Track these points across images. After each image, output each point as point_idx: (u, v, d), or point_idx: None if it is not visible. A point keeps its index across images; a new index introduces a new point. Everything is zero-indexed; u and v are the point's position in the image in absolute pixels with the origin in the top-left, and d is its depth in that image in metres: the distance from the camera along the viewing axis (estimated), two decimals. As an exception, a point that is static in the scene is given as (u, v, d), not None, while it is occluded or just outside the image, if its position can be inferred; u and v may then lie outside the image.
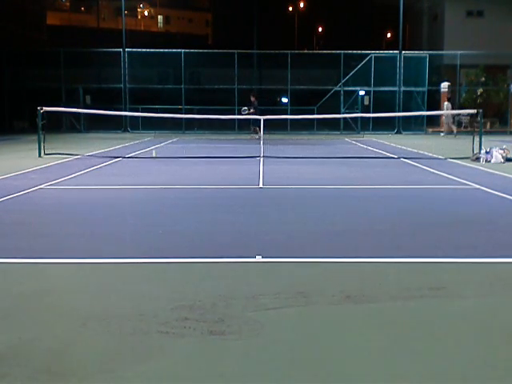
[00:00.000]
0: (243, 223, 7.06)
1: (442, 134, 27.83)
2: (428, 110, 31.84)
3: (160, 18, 78.07)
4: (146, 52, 33.18)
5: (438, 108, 32.65)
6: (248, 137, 25.81)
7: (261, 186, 10.34)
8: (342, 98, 32.08)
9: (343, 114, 29.28)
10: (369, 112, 30.72)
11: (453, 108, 28.86)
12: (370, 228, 6.73)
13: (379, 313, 4.00)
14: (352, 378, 3.07)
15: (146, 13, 76.54)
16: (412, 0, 40.34)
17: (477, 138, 15.65)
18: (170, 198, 9.22)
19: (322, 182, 10.90)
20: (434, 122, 33.84)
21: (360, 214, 7.76)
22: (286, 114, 30.92)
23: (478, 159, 14.77)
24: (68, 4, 73.25)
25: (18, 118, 31.74)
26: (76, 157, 15.72)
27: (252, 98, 25.83)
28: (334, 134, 26.28)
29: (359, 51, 33.08)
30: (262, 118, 17.41)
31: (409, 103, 32.38)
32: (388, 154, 17.34)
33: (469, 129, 29.66)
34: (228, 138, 26.16)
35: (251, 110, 24.87)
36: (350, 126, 31.21)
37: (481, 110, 16.47)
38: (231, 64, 32.25)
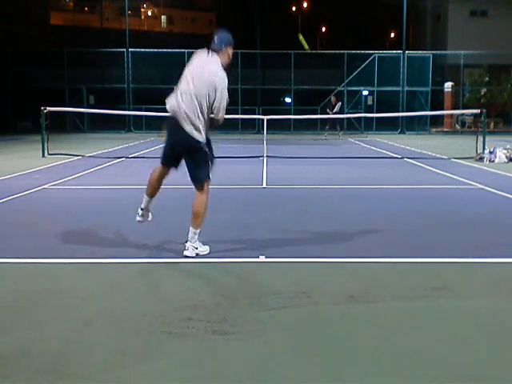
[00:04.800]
0: (246, 223, 7.05)
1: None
2: (431, 110, 31.79)
3: (163, 17, 78.15)
4: (150, 52, 33.20)
5: (442, 108, 32.61)
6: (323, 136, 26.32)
7: (264, 185, 10.34)
8: (345, 97, 32.05)
9: (346, 113, 29.26)
10: (372, 112, 30.69)
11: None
12: (374, 228, 6.72)
13: (382, 313, 4.00)
14: (355, 378, 3.07)
15: (149, 13, 76.67)
16: (415, 0, 40.30)
17: (480, 138, 15.62)
18: (174, 198, 9.22)
19: (326, 182, 10.89)
20: (437, 122, 33.79)
21: (363, 214, 7.75)
22: (290, 113, 30.91)
23: (481, 159, 14.74)
24: (71, 4, 73.42)
25: (21, 118, 31.80)
26: (79, 157, 15.74)
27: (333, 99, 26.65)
28: (338, 133, 26.29)
29: (363, 51, 33.06)
30: (265, 117, 17.40)
31: (412, 103, 32.36)
32: (391, 154, 17.32)
33: (472, 129, 29.64)
34: (231, 138, 26.16)
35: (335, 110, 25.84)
36: (353, 126, 31.18)
37: (484, 110, 16.44)
38: (234, 64, 32.20)
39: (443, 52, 37.12)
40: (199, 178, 5.37)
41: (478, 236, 6.42)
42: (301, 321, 3.85)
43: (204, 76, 5.32)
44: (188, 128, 5.26)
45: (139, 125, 30.78)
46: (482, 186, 10.16)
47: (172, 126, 5.38)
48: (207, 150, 5.40)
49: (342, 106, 26.52)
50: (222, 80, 5.35)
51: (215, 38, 5.44)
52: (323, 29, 67.34)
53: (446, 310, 4.07)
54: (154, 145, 21.25)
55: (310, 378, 3.05)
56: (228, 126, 28.86)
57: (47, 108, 16.40)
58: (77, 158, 15.50)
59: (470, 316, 3.97)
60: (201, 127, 5.31)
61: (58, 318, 3.89)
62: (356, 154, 17.67)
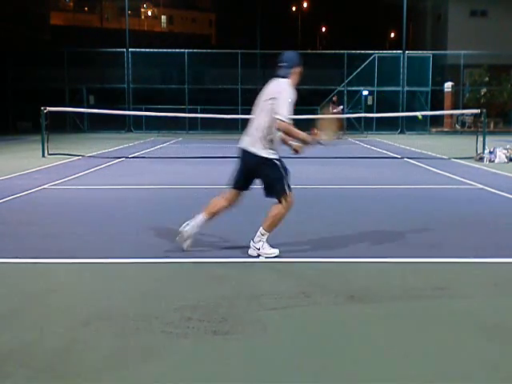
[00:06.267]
0: (246, 223, 7.04)
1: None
2: (431, 110, 31.79)
3: (163, 17, 78.19)
4: (150, 52, 33.19)
5: (442, 108, 32.60)
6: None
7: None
8: (345, 97, 32.06)
9: (346, 113, 29.25)
10: (372, 112, 30.69)
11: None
12: (374, 228, 6.72)
13: (382, 313, 3.99)
14: (355, 378, 3.07)
15: (149, 13, 76.71)
16: (415, 0, 40.30)
17: (480, 138, 15.62)
18: (173, 198, 9.23)
19: (326, 182, 10.89)
20: (437, 122, 33.80)
21: (363, 213, 7.76)
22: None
23: (481, 159, 14.74)
24: (71, 4, 73.43)
25: (21, 118, 31.77)
26: (79, 157, 15.73)
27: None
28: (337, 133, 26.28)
29: (363, 51, 33.05)
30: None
31: (412, 103, 32.36)
32: (391, 154, 17.32)
33: (472, 129, 29.64)
34: (231, 138, 26.12)
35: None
36: (353, 126, 31.18)
37: (484, 110, 16.44)
38: (235, 64, 32.25)
39: (443, 52, 37.09)
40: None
41: (478, 236, 6.41)
42: (301, 321, 3.85)
43: (264, 95, 5.35)
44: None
45: (139, 125, 30.79)
46: (481, 186, 10.16)
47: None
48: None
49: (342, 109, 26.51)
50: (283, 89, 5.22)
51: (282, 64, 5.33)
52: (323, 29, 67.35)
53: (446, 309, 4.07)
54: (154, 145, 21.27)
55: (309, 378, 3.05)
56: (228, 126, 28.87)
57: (47, 108, 16.39)
58: (77, 157, 15.49)
59: (470, 316, 3.97)
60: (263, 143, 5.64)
61: (58, 318, 3.89)
62: (356, 154, 17.66)
